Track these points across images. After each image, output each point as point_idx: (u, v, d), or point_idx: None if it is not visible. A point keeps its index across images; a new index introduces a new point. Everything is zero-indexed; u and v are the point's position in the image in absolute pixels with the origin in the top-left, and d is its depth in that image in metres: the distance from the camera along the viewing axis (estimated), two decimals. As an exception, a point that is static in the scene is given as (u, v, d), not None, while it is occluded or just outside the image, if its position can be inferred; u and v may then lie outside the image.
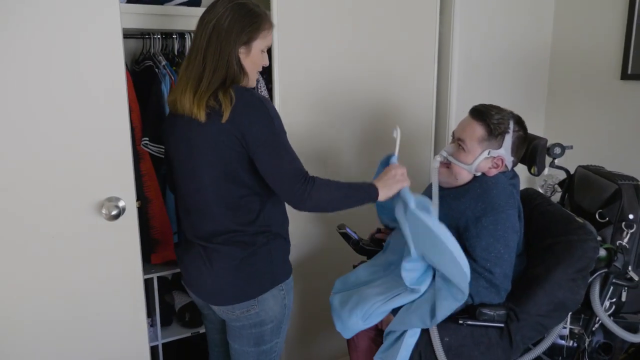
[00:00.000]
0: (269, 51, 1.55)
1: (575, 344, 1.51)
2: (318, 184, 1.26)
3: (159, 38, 1.79)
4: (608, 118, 2.17)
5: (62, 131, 1.28)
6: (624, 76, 2.08)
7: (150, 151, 1.66)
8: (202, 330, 1.92)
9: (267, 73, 1.81)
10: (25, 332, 1.34)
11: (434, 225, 1.31)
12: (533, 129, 1.66)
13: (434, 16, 2.10)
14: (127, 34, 1.73)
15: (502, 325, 1.41)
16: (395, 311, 1.46)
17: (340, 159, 2.02)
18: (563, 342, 1.51)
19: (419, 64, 2.12)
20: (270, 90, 1.85)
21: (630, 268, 1.47)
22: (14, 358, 1.34)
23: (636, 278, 1.46)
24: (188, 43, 1.80)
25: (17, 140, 1.24)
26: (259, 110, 1.25)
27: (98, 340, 1.43)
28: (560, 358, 1.53)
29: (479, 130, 1.49)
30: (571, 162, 1.79)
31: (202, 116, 1.23)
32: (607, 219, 1.53)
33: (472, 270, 1.40)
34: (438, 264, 1.39)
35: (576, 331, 1.50)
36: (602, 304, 1.47)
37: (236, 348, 1.41)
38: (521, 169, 1.64)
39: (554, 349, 1.51)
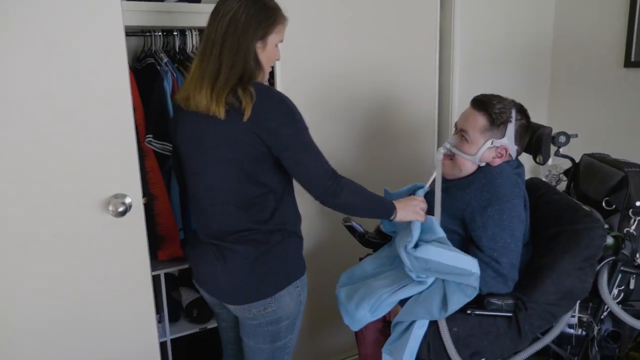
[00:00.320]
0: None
1: (583, 333, 1.51)
2: (345, 183, 1.29)
3: (160, 35, 1.79)
4: (611, 106, 2.16)
5: (67, 130, 1.28)
6: (627, 64, 2.06)
7: (155, 148, 1.67)
8: (210, 325, 1.93)
9: (268, 69, 1.81)
10: (34, 329, 1.35)
11: (435, 257, 1.35)
12: (536, 118, 1.65)
13: (434, 7, 2.10)
14: (129, 32, 1.73)
15: (510, 314, 1.41)
16: (402, 302, 1.46)
17: (343, 155, 2.02)
18: (572, 330, 1.51)
19: (421, 56, 2.11)
20: (271, 85, 1.84)
21: (638, 255, 1.47)
22: (25, 355, 1.35)
23: (644, 265, 1.45)
24: (189, 40, 1.80)
25: (23, 139, 1.24)
26: (281, 107, 1.24)
27: (108, 337, 1.44)
28: (569, 347, 1.53)
29: (481, 120, 1.49)
30: (575, 150, 1.78)
31: (221, 113, 1.20)
32: (614, 206, 1.52)
33: (479, 260, 1.41)
34: (446, 277, 1.39)
35: (585, 319, 1.50)
36: (610, 292, 1.46)
37: (251, 345, 1.40)
38: (525, 159, 1.64)
39: (562, 338, 1.51)
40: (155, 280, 1.70)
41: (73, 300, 1.37)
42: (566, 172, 1.82)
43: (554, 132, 1.62)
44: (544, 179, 2.00)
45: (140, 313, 1.47)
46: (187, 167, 1.35)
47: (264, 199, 1.29)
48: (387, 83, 2.07)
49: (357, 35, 1.96)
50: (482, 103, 1.50)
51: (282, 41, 1.33)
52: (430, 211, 1.50)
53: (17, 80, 1.21)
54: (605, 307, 1.48)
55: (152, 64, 1.74)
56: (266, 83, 1.80)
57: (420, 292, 1.44)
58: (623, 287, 1.49)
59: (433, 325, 1.42)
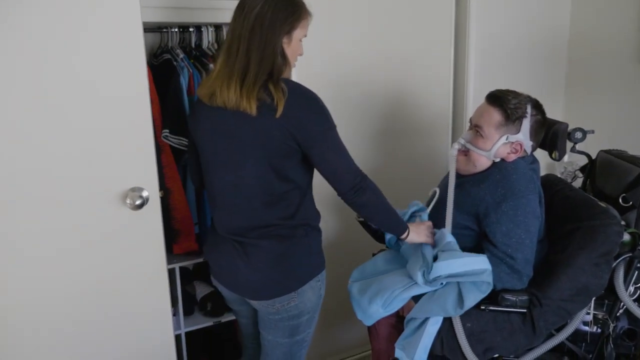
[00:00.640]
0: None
1: (599, 330, 1.50)
2: (371, 183, 1.31)
3: (176, 32, 1.81)
4: (628, 102, 2.13)
5: (87, 124, 1.30)
6: (645, 59, 2.04)
7: (171, 143, 1.68)
8: (224, 319, 1.95)
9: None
10: (50, 322, 1.37)
11: (445, 272, 1.37)
12: (552, 114, 1.64)
13: (450, 2, 2.09)
14: (146, 28, 1.74)
15: (524, 310, 1.40)
16: (415, 298, 1.46)
17: (358, 151, 1.99)
18: (587, 328, 1.50)
19: (435, 51, 2.11)
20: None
21: (655, 252, 1.45)
22: (40, 349, 1.37)
23: (661, 262, 1.44)
24: (205, 36, 1.82)
25: (44, 133, 1.27)
26: (313, 104, 1.25)
27: (124, 329, 1.46)
28: (583, 344, 1.52)
29: (496, 115, 1.48)
30: (591, 147, 1.76)
31: (252, 109, 1.19)
32: (630, 203, 1.50)
33: (493, 255, 1.40)
34: (460, 280, 1.40)
35: (600, 317, 1.48)
36: (626, 289, 1.45)
37: (270, 339, 1.40)
38: (541, 156, 1.63)
39: (577, 335, 1.50)
40: (171, 273, 1.72)
41: (89, 293, 1.40)
42: (582, 169, 1.81)
43: (570, 128, 1.61)
44: (559, 176, 1.99)
45: (156, 306, 1.49)
46: (211, 163, 1.35)
47: (290, 195, 1.30)
48: (402, 78, 2.07)
49: (372, 31, 1.96)
50: (497, 98, 1.49)
51: (305, 36, 1.33)
52: (443, 208, 1.51)
53: (40, 75, 1.24)
54: (621, 304, 1.47)
55: (169, 60, 1.76)
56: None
57: (435, 290, 1.44)
58: (640, 284, 1.48)
59: (447, 320, 1.42)
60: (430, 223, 1.52)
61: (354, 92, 1.98)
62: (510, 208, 1.41)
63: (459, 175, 1.55)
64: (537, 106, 1.52)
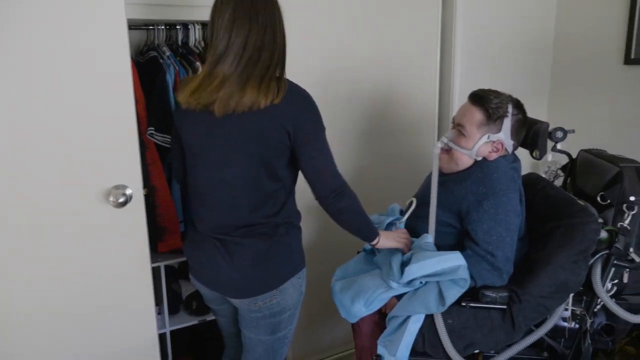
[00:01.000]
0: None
1: (577, 325, 1.53)
2: (350, 191, 1.33)
3: (162, 29, 1.81)
4: (612, 103, 2.17)
5: (69, 121, 1.30)
6: (627, 61, 2.07)
7: (156, 141, 1.68)
8: (209, 318, 1.95)
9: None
10: (32, 320, 1.36)
11: (419, 273, 1.40)
12: (536, 114, 1.66)
13: (436, 2, 2.11)
14: (132, 25, 1.75)
15: (504, 307, 1.43)
16: (398, 295, 1.48)
17: (344, 150, 2.03)
18: (565, 323, 1.53)
19: (422, 51, 2.13)
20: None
21: (631, 249, 1.48)
22: (24, 347, 1.37)
23: (637, 259, 1.47)
24: (192, 34, 1.81)
25: (25, 130, 1.26)
26: (309, 104, 1.28)
27: (107, 328, 1.46)
28: (562, 339, 1.55)
29: (477, 115, 1.50)
30: (574, 146, 1.79)
31: (267, 102, 1.20)
32: (608, 201, 1.53)
33: (475, 253, 1.42)
34: (437, 279, 1.42)
35: (578, 312, 1.51)
36: (603, 285, 1.48)
37: (251, 337, 1.41)
38: (524, 155, 1.65)
39: (556, 331, 1.53)
40: (155, 272, 1.72)
41: (73, 291, 1.39)
42: (563, 168, 1.84)
43: (551, 127, 1.63)
44: (543, 175, 2.01)
45: (140, 304, 1.48)
46: (201, 161, 1.33)
47: (279, 193, 1.32)
48: (388, 78, 2.08)
49: (358, 30, 1.97)
50: (479, 98, 1.52)
51: None
52: (426, 203, 1.53)
53: (19, 72, 1.23)
54: (599, 300, 1.50)
55: (155, 57, 1.76)
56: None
57: (416, 289, 1.45)
58: (617, 281, 1.51)
59: (428, 317, 1.44)
60: (404, 230, 1.55)
61: (341, 91, 1.99)
62: (492, 206, 1.43)
63: (441, 174, 1.57)
64: (518, 106, 1.54)
